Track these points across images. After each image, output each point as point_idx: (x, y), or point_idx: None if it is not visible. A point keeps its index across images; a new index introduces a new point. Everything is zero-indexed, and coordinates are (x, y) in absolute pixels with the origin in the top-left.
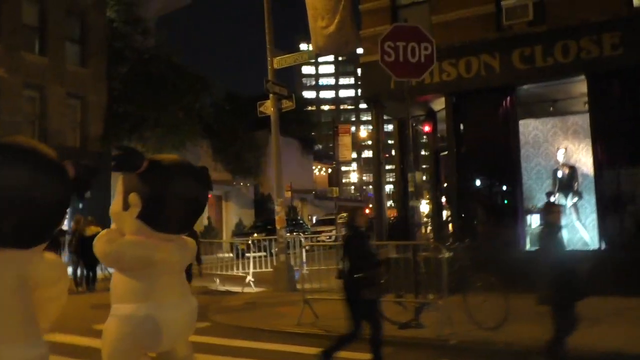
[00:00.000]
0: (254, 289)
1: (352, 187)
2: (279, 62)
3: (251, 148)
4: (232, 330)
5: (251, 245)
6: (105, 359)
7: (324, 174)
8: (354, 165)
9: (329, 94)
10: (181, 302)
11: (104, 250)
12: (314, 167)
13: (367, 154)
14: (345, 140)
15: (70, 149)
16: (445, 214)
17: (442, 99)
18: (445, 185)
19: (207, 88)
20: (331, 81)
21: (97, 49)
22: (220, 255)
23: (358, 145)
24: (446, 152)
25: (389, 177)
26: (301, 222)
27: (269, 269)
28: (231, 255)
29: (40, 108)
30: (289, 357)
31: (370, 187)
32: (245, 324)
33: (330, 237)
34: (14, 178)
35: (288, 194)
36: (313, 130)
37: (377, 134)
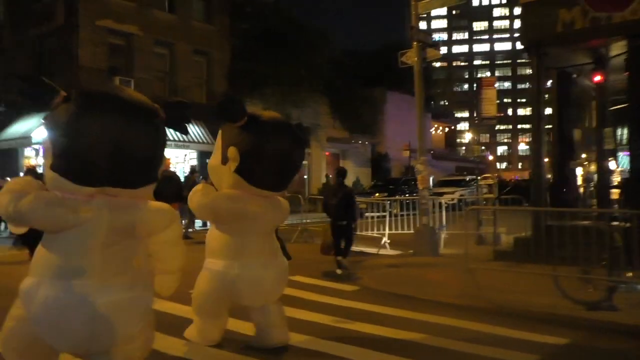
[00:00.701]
0: (389, 251)
1: (464, 148)
2: (424, 6)
3: (369, 106)
4: (383, 297)
5: (390, 205)
6: (194, 309)
7: (441, 133)
8: (465, 125)
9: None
10: (271, 262)
11: (200, 203)
12: (431, 126)
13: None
14: (489, 94)
15: (197, 105)
16: (613, 177)
17: (620, 43)
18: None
19: (328, 44)
20: (444, 36)
21: (221, 6)
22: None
23: (471, 104)
24: (618, 107)
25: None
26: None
27: (400, 231)
28: None
29: (169, 65)
30: (452, 332)
31: (483, 148)
32: (397, 290)
33: (452, 199)
34: (112, 122)
35: (406, 153)
36: (431, 88)
37: (538, 85)
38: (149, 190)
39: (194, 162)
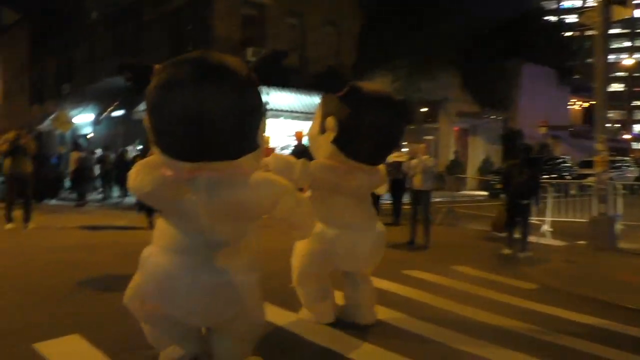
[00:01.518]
0: (551, 241)
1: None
2: None
3: (502, 78)
4: (566, 299)
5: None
6: (295, 272)
7: (578, 108)
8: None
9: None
10: (367, 227)
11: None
12: (569, 101)
13: (615, 86)
14: None
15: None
16: None
17: None
18: None
19: (463, 11)
20: (577, 3)
21: None
22: (465, 192)
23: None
24: None
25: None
26: (565, 162)
27: (561, 218)
28: (481, 193)
29: (300, 36)
30: None
31: (618, 125)
32: (584, 292)
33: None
34: (193, 89)
35: (543, 130)
36: (572, 59)
37: None
38: (253, 160)
39: None
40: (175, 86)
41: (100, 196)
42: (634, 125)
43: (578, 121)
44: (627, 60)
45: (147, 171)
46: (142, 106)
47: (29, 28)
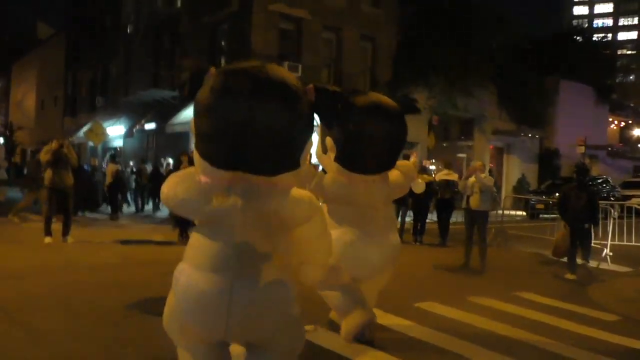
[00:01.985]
0: (611, 266)
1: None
2: None
3: (540, 96)
4: None
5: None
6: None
7: (615, 127)
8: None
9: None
10: (383, 236)
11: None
12: (607, 120)
13: None
14: None
15: None
16: None
17: None
18: None
19: (503, 26)
20: (608, 22)
21: None
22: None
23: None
24: None
25: None
26: (608, 181)
27: (621, 242)
28: (519, 213)
29: (336, 51)
30: None
31: None
32: None
33: None
34: (245, 100)
35: (580, 149)
36: (611, 77)
37: None
38: (291, 179)
39: None
40: (232, 92)
41: (133, 209)
42: None
43: (614, 140)
44: None
45: (181, 180)
46: (175, 119)
47: (64, 41)
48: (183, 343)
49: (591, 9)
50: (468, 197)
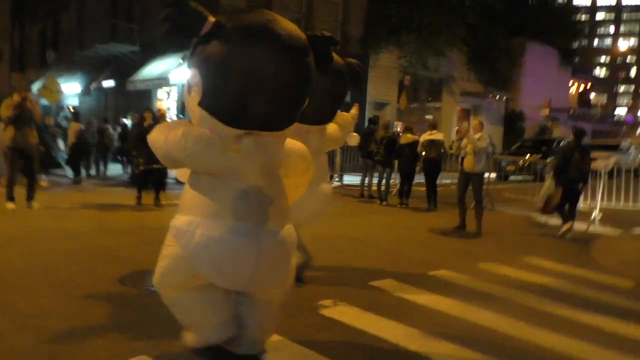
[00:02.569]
0: (604, 229)
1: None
2: None
3: (507, 57)
4: None
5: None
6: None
7: (574, 92)
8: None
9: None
10: (315, 184)
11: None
12: (570, 83)
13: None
14: None
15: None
16: None
17: None
18: None
19: None
20: None
21: None
22: None
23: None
24: None
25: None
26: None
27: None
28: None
29: (306, 5)
30: None
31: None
32: None
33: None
34: (270, 60)
35: (545, 112)
36: (574, 40)
37: None
38: (289, 131)
39: None
40: (253, 52)
41: (93, 172)
42: (617, 109)
43: (574, 104)
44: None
45: (190, 131)
46: (136, 76)
47: None
48: (183, 295)
49: None
50: (462, 159)
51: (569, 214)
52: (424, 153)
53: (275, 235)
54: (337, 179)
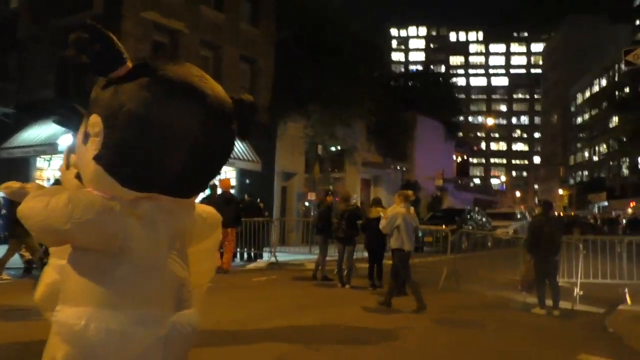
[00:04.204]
0: (584, 307)
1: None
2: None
3: (403, 129)
4: None
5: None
6: None
7: (454, 163)
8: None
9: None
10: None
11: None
12: (454, 155)
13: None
14: None
15: None
16: None
17: None
18: None
19: (382, 59)
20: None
21: (268, 7)
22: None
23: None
24: None
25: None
26: (478, 215)
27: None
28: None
29: (213, 70)
30: None
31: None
32: None
33: (507, 233)
34: (192, 118)
35: (439, 182)
36: (456, 115)
37: None
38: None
39: (233, 182)
40: (179, 101)
41: None
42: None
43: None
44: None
45: (78, 196)
46: (12, 142)
47: None
48: None
49: (407, 55)
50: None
51: (551, 289)
52: None
53: (182, 320)
54: (272, 257)
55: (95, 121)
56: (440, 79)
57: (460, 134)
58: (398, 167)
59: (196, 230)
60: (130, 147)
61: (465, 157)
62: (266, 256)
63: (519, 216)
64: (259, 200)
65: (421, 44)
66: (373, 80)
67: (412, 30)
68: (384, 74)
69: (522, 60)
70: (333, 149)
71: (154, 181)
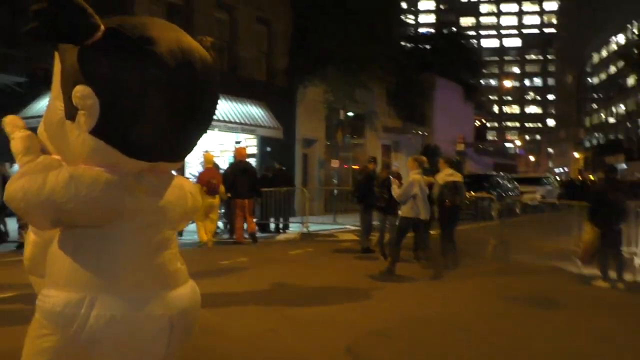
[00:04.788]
0: None
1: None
2: None
3: (422, 92)
4: None
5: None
6: None
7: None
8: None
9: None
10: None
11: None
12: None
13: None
14: None
15: (258, 82)
16: None
17: None
18: None
19: (399, 17)
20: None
21: None
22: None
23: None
24: None
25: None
26: (504, 180)
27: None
28: None
29: (229, 32)
30: None
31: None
32: None
33: (534, 199)
34: (186, 76)
35: (461, 147)
36: (476, 77)
37: None
38: None
39: (253, 150)
40: (166, 67)
41: None
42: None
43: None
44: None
45: (80, 172)
46: (24, 113)
47: None
48: None
49: (417, 18)
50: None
51: (615, 260)
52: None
53: (183, 298)
54: (302, 228)
55: (86, 93)
56: (460, 40)
57: (480, 97)
58: (420, 132)
59: (188, 208)
60: (129, 114)
61: (483, 121)
62: (292, 227)
63: (545, 181)
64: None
65: (431, 5)
66: (391, 40)
67: None
68: (402, 33)
69: (535, 20)
70: (352, 113)
71: (158, 147)
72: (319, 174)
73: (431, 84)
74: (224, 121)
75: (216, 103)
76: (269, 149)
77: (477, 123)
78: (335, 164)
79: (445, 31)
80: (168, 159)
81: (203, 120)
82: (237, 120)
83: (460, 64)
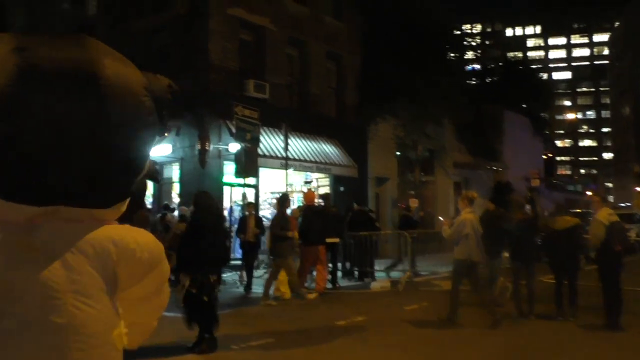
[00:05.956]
0: None
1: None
2: None
3: (493, 126)
4: None
5: None
6: None
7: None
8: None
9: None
10: None
11: None
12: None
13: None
14: None
15: (329, 119)
16: None
17: None
18: None
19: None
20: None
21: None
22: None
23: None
24: None
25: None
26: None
27: None
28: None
29: (300, 69)
30: None
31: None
32: None
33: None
34: (75, 97)
35: (536, 182)
36: (546, 109)
37: None
38: (117, 212)
39: (327, 190)
40: (49, 86)
41: None
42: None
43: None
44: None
45: None
46: None
47: None
48: None
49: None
50: None
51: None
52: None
53: None
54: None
55: None
56: (529, 71)
57: (547, 131)
58: (494, 167)
59: (132, 268)
60: (14, 141)
61: (551, 155)
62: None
63: (638, 217)
64: (368, 209)
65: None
66: (461, 72)
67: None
68: (472, 63)
69: (585, 52)
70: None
71: (44, 188)
72: (391, 213)
73: (500, 117)
74: (299, 160)
75: (153, 137)
76: (342, 188)
77: (544, 157)
78: (414, 203)
79: (512, 59)
80: (74, 200)
81: (132, 156)
82: (312, 159)
83: (529, 96)
